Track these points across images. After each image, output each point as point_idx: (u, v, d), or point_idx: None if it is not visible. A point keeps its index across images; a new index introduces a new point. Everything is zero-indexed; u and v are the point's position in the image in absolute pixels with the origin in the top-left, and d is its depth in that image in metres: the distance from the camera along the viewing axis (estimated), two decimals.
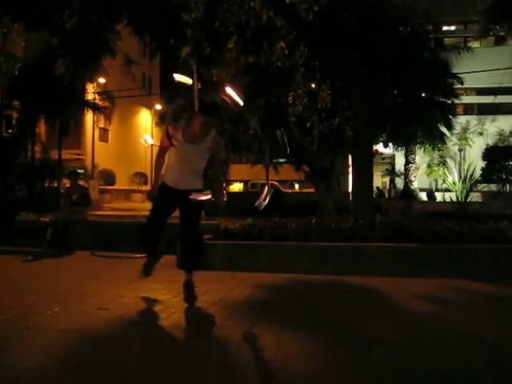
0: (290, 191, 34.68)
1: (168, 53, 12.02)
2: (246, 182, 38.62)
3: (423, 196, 29.81)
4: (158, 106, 47.31)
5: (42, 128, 26.06)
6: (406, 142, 18.95)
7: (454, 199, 16.24)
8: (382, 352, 3.45)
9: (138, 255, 8.49)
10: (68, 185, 11.17)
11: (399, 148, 26.09)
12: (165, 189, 5.10)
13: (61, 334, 3.82)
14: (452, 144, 28.19)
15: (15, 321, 4.22)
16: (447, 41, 23.49)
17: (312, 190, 24.06)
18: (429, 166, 31.46)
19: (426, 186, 32.06)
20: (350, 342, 3.68)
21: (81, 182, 11.78)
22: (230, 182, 38.72)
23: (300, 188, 38.37)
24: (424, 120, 14.08)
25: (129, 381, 2.93)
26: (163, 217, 5.27)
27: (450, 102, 15.27)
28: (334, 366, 3.16)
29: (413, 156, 29.90)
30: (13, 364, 3.15)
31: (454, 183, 17.04)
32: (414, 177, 30.24)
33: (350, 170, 10.45)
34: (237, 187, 41.54)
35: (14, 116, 24.42)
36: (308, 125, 14.73)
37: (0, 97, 22.38)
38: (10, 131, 25.50)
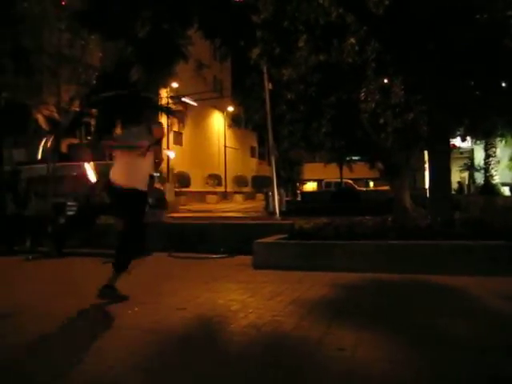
0: (364, 189, 34.27)
1: (238, 55, 12.13)
2: (319, 181, 38.41)
3: (506, 191, 28.58)
4: (230, 108, 47.89)
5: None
6: (486, 135, 18.25)
7: None
8: (461, 354, 3.31)
9: (214, 256, 8.64)
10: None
11: (478, 141, 25.17)
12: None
13: (141, 333, 3.92)
14: None
15: (98, 320, 4.36)
16: None
17: (387, 188, 23.64)
18: (511, 159, 30.13)
19: (509, 180, 30.72)
20: (429, 344, 3.56)
21: (157, 185, 12.06)
22: (303, 182, 38.66)
23: (375, 186, 37.81)
24: (505, 111, 13.49)
25: (208, 382, 2.95)
26: None
27: None
28: (412, 368, 3.06)
29: (493, 149, 28.72)
30: (96, 362, 3.25)
31: None
32: (495, 171, 29.02)
33: (427, 166, 10.18)
34: (310, 186, 41.39)
35: (92, 123, 25.39)
36: (381, 121, 14.47)
37: (79, 105, 23.31)
38: (88, 138, 26.52)
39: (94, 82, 21.33)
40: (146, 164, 5.47)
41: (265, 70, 14.51)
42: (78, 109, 23.20)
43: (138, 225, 5.39)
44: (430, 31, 8.82)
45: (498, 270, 6.23)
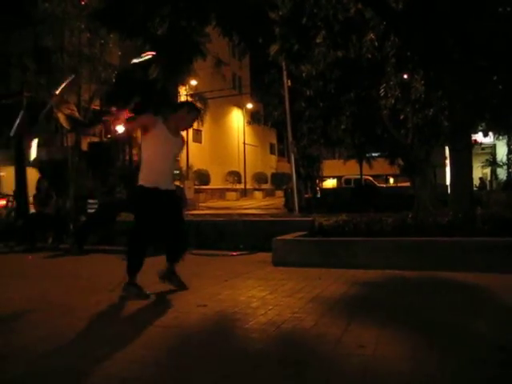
0: (384, 186, 34.06)
1: (257, 51, 12.13)
2: (339, 178, 38.24)
3: None
4: (250, 105, 47.92)
5: (138, 131, 27.06)
6: (509, 130, 18.01)
7: None
8: (484, 354, 3.26)
9: (234, 253, 8.66)
10: None
11: (500, 137, 24.81)
12: (151, 194, 5.16)
13: (162, 329, 3.94)
14: None
15: (119, 316, 4.40)
16: None
17: (408, 184, 23.47)
18: None
19: None
20: (451, 342, 3.52)
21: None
22: (322, 179, 38.51)
23: (395, 182, 37.54)
24: None
25: (226, 378, 2.96)
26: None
27: None
28: (434, 367, 3.02)
29: None
30: (117, 357, 3.28)
31: None
32: None
33: (448, 161, 10.09)
34: (330, 183, 41.24)
35: (112, 121, 25.57)
36: (401, 117, 14.37)
37: (99, 104, 23.50)
38: (109, 136, 26.75)
39: (114, 80, 21.48)
40: (167, 158, 5.30)
41: (284, 67, 14.49)
42: (97, 107, 23.41)
43: (143, 226, 5.24)
44: (451, 25, 8.72)
45: None
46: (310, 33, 10.08)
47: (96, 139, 25.45)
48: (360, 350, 3.31)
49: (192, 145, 40.98)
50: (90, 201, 12.33)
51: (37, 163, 15.43)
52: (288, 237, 7.85)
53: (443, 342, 3.53)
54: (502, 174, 30.15)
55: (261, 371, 3.03)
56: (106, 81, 20.61)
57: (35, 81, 15.58)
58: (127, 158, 24.43)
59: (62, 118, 16.30)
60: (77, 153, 19.52)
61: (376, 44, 10.68)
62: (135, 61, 6.20)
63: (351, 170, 31.33)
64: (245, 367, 3.10)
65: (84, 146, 22.49)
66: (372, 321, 4.10)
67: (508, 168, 28.68)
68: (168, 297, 5.19)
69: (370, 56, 11.10)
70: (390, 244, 7.02)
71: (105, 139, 25.77)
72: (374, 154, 26.50)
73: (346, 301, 4.91)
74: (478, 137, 22.42)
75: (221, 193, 44.66)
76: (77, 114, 17.73)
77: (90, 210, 11.69)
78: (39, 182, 11.45)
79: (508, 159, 28.73)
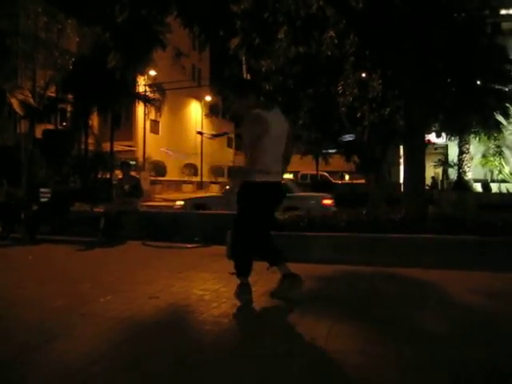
0: (339, 182, 34.49)
1: (217, 44, 12.09)
2: (295, 174, 38.49)
3: (478, 187, 28.96)
4: (208, 98, 47.74)
5: (94, 121, 26.65)
6: (460, 131, 18.43)
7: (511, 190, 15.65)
8: (431, 346, 3.37)
9: (189, 245, 8.62)
10: (120, 176, 11.40)
11: (452, 138, 25.40)
12: None
13: (113, 322, 3.90)
14: (509, 133, 27.15)
15: (70, 308, 4.33)
16: (505, 25, 22.66)
17: (362, 181, 23.83)
18: (484, 156, 30.50)
19: (481, 176, 31.08)
20: (399, 335, 3.61)
21: (132, 173, 11.99)
22: None
23: (350, 179, 38.06)
24: (479, 108, 13.65)
25: (179, 367, 2.96)
26: None
27: (507, 89, 14.73)
28: (384, 360, 3.10)
29: (467, 146, 29.00)
30: (67, 349, 3.23)
31: (511, 174, 16.42)
32: (468, 167, 29.35)
33: (402, 160, 10.27)
34: (286, 178, 41.46)
35: (68, 109, 25.07)
36: (358, 115, 14.55)
37: (55, 91, 22.98)
38: (64, 124, 26.24)
39: (71, 67, 21.05)
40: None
41: (244, 61, 14.47)
42: (53, 94, 22.91)
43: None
44: (409, 27, 8.87)
45: (467, 264, 6.32)
46: (272, 28, 10.08)
47: (51, 127, 24.90)
48: (312, 342, 3.36)
49: (149, 135, 40.55)
50: (43, 189, 12.05)
51: None
52: None
53: (393, 335, 3.61)
54: (453, 174, 30.92)
55: (213, 363, 3.03)
56: (63, 67, 20.18)
57: None
58: (83, 147, 23.99)
59: (15, 103, 15.90)
60: (30, 140, 19.07)
61: (336, 41, 10.77)
62: None
63: (308, 165, 31.63)
64: (197, 359, 3.10)
65: (38, 134, 21.98)
66: (324, 314, 4.15)
67: (459, 168, 29.44)
68: (120, 288, 5.14)
69: (329, 53, 11.17)
70: (343, 239, 7.10)
71: (60, 127, 25.26)
72: (330, 151, 26.76)
73: (299, 294, 4.96)
74: (432, 137, 22.93)
75: (177, 185, 44.33)
76: (31, 100, 17.33)
77: (42, 199, 11.43)
78: None
79: (459, 160, 29.48)
